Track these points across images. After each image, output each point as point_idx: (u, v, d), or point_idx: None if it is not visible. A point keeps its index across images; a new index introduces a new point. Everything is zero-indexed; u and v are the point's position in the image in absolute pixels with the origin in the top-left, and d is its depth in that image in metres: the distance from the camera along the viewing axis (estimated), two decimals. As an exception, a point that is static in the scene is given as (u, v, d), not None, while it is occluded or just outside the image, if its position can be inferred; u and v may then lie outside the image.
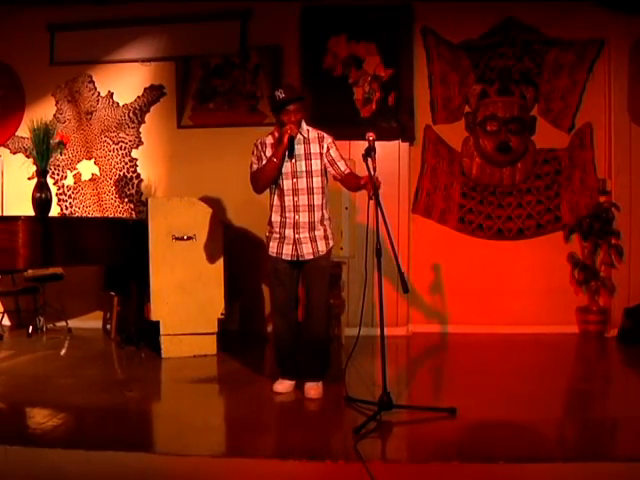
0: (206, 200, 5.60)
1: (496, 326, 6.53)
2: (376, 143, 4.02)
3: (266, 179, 4.24)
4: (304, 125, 4.29)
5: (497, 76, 6.62)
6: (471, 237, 6.73)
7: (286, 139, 4.10)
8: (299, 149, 4.22)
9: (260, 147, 4.32)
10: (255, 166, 4.33)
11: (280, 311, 4.37)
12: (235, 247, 6.50)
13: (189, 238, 5.46)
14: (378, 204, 3.86)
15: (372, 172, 3.89)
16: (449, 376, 5.28)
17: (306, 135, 4.26)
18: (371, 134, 4.01)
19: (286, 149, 4.14)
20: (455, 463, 3.10)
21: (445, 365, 5.73)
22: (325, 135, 4.27)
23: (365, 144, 3.99)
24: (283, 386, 4.40)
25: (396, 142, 6.60)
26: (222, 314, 5.54)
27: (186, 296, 5.44)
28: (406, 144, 6.64)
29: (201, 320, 5.47)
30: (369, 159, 3.94)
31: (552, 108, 6.62)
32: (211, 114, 6.86)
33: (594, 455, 3.25)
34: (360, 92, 6.67)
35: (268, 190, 4.35)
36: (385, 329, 3.87)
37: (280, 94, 4.16)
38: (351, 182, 4.24)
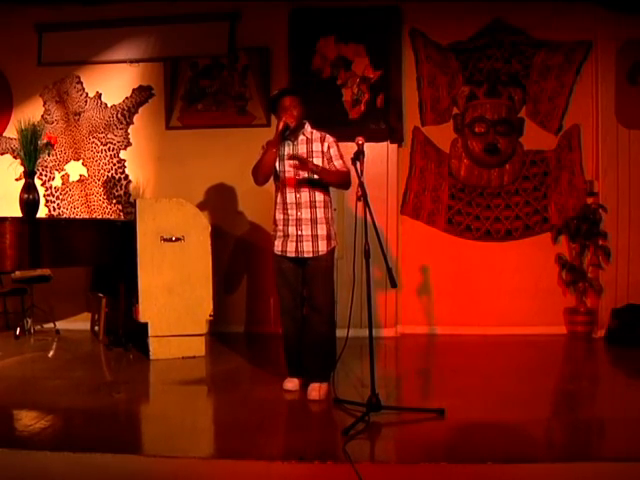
0: (194, 201, 5.59)
1: (484, 327, 6.55)
2: (365, 144, 4.06)
3: (263, 168, 4.31)
4: (308, 127, 4.39)
5: (485, 78, 6.64)
6: (459, 238, 6.74)
7: (281, 125, 4.20)
8: (302, 148, 4.32)
9: (267, 145, 4.38)
10: None
11: (286, 310, 4.43)
12: (223, 248, 6.51)
13: (177, 239, 5.45)
14: (367, 205, 3.89)
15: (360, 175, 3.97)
16: (437, 377, 5.28)
17: (309, 136, 4.36)
18: (360, 138, 4.06)
19: (280, 135, 4.23)
20: (443, 464, 3.11)
21: (433, 366, 5.72)
22: (327, 135, 4.37)
23: (354, 146, 4.03)
24: (293, 384, 4.47)
25: (385, 143, 6.61)
26: (210, 315, 5.54)
27: (174, 297, 5.43)
28: (395, 145, 6.65)
29: (189, 321, 5.46)
30: (358, 162, 4.00)
31: (540, 110, 6.65)
32: (200, 115, 6.84)
33: (582, 455, 3.27)
34: (349, 93, 6.67)
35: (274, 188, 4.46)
36: (374, 330, 3.88)
37: (273, 92, 4.44)
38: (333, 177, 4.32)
